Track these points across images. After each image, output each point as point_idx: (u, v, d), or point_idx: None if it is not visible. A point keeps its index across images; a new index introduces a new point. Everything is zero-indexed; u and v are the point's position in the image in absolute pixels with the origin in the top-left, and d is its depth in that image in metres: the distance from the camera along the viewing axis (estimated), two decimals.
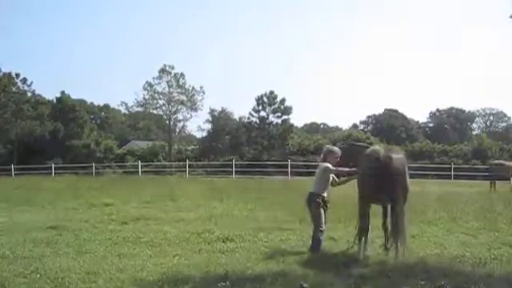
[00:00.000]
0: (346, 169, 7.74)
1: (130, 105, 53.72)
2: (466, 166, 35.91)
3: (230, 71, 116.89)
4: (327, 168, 7.79)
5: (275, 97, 49.60)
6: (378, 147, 8.00)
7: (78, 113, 52.97)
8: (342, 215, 10.72)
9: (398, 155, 7.25)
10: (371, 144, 46.23)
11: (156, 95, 50.66)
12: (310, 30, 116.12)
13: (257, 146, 49.27)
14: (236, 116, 55.85)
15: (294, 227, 10.14)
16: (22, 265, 6.91)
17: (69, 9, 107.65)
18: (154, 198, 16.95)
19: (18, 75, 49.27)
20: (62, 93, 53.77)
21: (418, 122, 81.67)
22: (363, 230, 7.46)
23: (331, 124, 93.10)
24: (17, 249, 8.12)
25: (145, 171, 39.75)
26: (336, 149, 8.08)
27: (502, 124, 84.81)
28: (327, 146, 8.25)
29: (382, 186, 6.94)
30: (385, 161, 6.94)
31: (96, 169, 39.58)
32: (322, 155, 8.05)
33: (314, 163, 34.44)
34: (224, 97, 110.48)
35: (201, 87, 51.09)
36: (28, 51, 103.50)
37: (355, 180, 7.79)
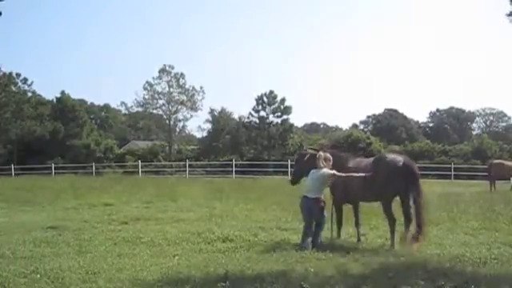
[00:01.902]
0: (357, 174, 8.32)
1: (129, 105, 53.79)
2: (466, 165, 35.84)
3: (230, 71, 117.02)
4: (332, 174, 8.33)
5: (275, 97, 49.58)
6: (395, 154, 9.11)
7: (78, 113, 52.86)
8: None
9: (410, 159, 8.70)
10: (371, 144, 46.11)
11: (156, 95, 50.67)
12: (310, 29, 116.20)
13: (257, 145, 49.26)
14: (236, 116, 55.90)
15: (294, 227, 10.14)
16: (22, 265, 6.92)
17: (69, 9, 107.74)
18: (154, 198, 16.96)
19: (18, 75, 49.25)
20: (62, 93, 53.70)
21: (417, 121, 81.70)
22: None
23: (331, 124, 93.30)
24: (17, 249, 8.14)
25: (145, 171, 39.74)
26: (330, 156, 8.63)
27: (502, 124, 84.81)
28: (321, 152, 8.69)
29: (409, 186, 8.16)
30: (410, 166, 8.33)
31: (96, 169, 39.55)
32: (320, 161, 8.44)
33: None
34: (224, 97, 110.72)
35: (201, 87, 51.13)
36: (28, 51, 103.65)
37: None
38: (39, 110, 49.76)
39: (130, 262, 7.03)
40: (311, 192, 8.30)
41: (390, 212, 8.34)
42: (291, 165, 35.84)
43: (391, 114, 74.63)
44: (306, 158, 9.11)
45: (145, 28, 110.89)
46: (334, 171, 8.33)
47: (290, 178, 9.25)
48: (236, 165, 38.51)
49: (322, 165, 8.36)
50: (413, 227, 8.04)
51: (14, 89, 48.67)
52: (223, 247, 8.21)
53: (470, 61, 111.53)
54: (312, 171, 8.43)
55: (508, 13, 8.37)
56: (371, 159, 8.85)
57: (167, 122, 52.55)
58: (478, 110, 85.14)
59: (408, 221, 8.20)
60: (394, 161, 8.32)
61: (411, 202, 8.10)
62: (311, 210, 8.26)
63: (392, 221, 8.31)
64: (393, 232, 8.25)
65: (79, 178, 31.08)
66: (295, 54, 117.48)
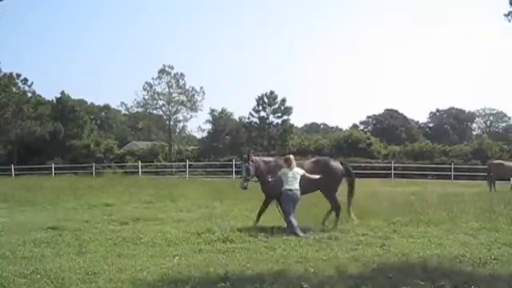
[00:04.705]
0: (315, 176, 10.27)
1: (129, 105, 53.68)
2: (466, 166, 35.79)
3: (230, 71, 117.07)
4: (303, 173, 10.07)
5: (275, 97, 49.51)
6: (332, 160, 11.45)
7: (78, 113, 52.84)
8: (343, 215, 10.73)
9: None
10: (371, 145, 46.17)
11: (156, 95, 50.58)
12: (310, 29, 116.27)
13: (257, 146, 49.20)
14: (236, 116, 55.83)
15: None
16: (23, 265, 6.92)
17: (69, 9, 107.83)
18: (154, 198, 16.97)
19: (18, 75, 49.18)
20: (62, 93, 53.68)
21: (418, 122, 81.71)
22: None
23: (331, 124, 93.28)
24: (17, 249, 8.14)
25: (145, 171, 39.73)
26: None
27: (502, 124, 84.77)
28: (291, 155, 10.35)
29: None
30: (348, 167, 11.24)
31: (96, 169, 39.53)
32: (293, 162, 10.12)
33: None
34: (224, 97, 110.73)
35: (201, 87, 51.01)
36: (28, 51, 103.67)
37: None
38: (39, 111, 49.71)
39: (130, 263, 7.03)
40: (294, 185, 9.81)
41: (336, 200, 10.63)
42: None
43: (391, 114, 74.60)
44: (261, 164, 10.52)
45: (145, 28, 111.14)
46: (303, 171, 10.09)
47: (244, 184, 10.42)
48: (236, 165, 38.45)
49: (294, 165, 10.04)
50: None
51: (14, 89, 48.64)
52: (223, 247, 8.21)
53: (470, 61, 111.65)
54: (284, 170, 9.94)
55: (506, 13, 8.38)
56: (309, 162, 10.90)
57: (167, 122, 52.50)
58: (478, 111, 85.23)
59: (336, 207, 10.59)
60: (337, 165, 10.90)
61: (348, 191, 10.91)
62: (294, 200, 9.77)
63: (338, 206, 10.56)
64: (338, 215, 10.50)
65: (79, 178, 31.08)
66: (295, 54, 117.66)
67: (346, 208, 10.76)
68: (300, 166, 10.37)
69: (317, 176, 10.17)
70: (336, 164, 11.01)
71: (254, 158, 10.67)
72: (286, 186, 9.81)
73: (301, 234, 9.30)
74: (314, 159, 11.34)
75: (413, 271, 6.38)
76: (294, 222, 9.59)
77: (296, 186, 9.83)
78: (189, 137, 61.79)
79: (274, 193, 10.24)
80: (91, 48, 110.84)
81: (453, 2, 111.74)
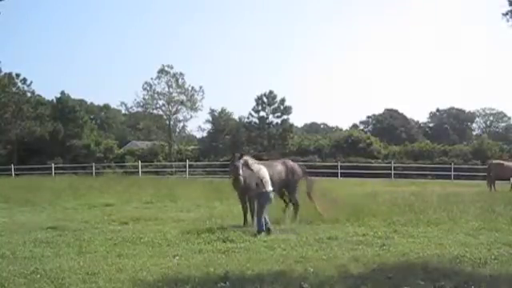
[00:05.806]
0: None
1: (129, 105, 53.62)
2: (466, 166, 35.77)
3: (230, 71, 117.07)
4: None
5: (275, 97, 49.48)
6: (292, 161, 12.40)
7: (78, 113, 52.76)
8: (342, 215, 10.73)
9: None
10: (371, 144, 46.10)
11: (156, 95, 50.53)
12: (310, 29, 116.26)
13: (257, 146, 49.18)
14: (236, 116, 55.78)
15: (293, 227, 10.15)
16: (22, 265, 6.92)
17: (69, 9, 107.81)
18: (154, 198, 16.96)
19: (18, 75, 49.12)
20: (62, 93, 53.61)
21: (418, 122, 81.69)
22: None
23: (331, 124, 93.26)
24: (17, 249, 8.14)
25: (145, 171, 39.71)
26: None
27: (502, 124, 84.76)
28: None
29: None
30: (305, 169, 12.30)
31: (96, 169, 39.51)
32: (270, 165, 10.85)
33: (311, 163, 34.48)
34: (224, 97, 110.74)
35: (200, 87, 50.91)
36: (28, 51, 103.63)
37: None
38: (39, 111, 49.65)
39: (130, 263, 7.03)
40: (270, 187, 9.90)
41: (296, 198, 11.43)
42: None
43: (391, 114, 74.61)
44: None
45: (145, 28, 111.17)
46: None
47: (242, 183, 10.33)
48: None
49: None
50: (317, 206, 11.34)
51: (13, 89, 48.59)
52: (223, 247, 8.21)
53: (470, 61, 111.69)
54: (266, 170, 10.06)
55: (504, 12, 8.36)
56: (278, 163, 11.59)
57: (167, 122, 52.44)
58: (477, 111, 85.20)
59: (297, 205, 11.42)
60: (298, 167, 11.86)
61: (307, 191, 11.67)
62: (270, 201, 9.91)
63: (298, 205, 11.32)
64: (297, 213, 11.22)
65: (79, 178, 31.07)
66: (295, 54, 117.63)
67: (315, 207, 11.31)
68: (270, 166, 10.77)
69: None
70: (297, 166, 12.01)
71: (245, 157, 10.80)
72: (269, 188, 9.82)
73: (262, 234, 9.25)
74: (281, 161, 12.19)
75: (413, 271, 6.38)
76: (266, 221, 9.66)
77: (271, 187, 9.92)
78: (189, 137, 61.72)
79: (251, 193, 10.34)
80: (91, 48, 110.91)
81: (453, 2, 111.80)
